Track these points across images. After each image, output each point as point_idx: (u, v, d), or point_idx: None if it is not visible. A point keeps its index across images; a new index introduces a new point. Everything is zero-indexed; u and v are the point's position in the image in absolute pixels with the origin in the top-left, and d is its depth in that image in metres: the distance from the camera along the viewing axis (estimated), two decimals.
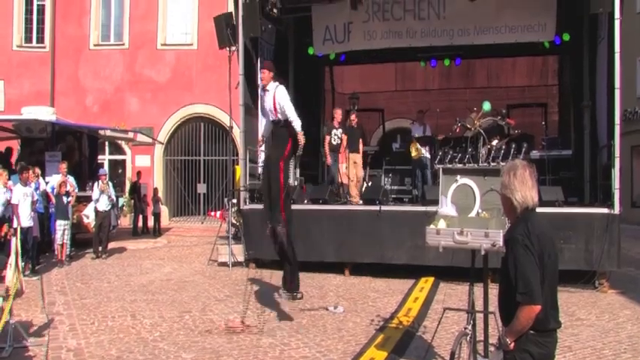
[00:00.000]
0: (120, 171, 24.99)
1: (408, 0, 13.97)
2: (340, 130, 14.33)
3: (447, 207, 6.00)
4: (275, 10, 12.68)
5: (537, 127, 15.91)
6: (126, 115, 23.91)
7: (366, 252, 12.11)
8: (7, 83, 24.60)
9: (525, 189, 3.67)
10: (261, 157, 9.59)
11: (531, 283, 3.42)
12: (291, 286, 9.17)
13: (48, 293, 10.59)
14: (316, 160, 16.76)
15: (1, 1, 24.49)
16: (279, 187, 8.55)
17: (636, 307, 9.52)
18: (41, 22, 25.09)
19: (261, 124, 9.97)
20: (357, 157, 14.74)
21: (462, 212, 5.90)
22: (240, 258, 13.35)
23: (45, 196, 14.54)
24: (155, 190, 22.10)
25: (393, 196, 14.38)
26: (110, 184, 15.83)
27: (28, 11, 25.19)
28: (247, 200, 12.91)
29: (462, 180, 5.98)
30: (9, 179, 12.88)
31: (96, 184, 15.38)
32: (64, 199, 14.12)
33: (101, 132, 20.59)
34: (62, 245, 13.89)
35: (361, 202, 13.29)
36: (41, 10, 25.11)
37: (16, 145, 18.56)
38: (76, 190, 15.08)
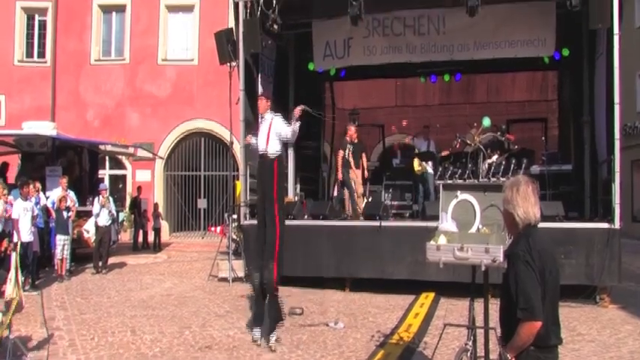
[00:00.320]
0: (120, 186, 24.99)
1: (408, 16, 14.02)
2: (352, 147, 14.35)
3: (447, 223, 6.00)
4: (275, 26, 12.71)
5: (537, 142, 15.96)
6: (126, 130, 23.96)
7: (367, 267, 12.09)
8: (8, 98, 24.67)
9: (528, 205, 3.67)
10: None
11: (532, 299, 3.42)
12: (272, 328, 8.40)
13: (48, 308, 10.57)
14: (316, 175, 16.78)
15: (2, 17, 24.60)
16: (274, 239, 8.34)
17: (638, 322, 9.48)
18: (42, 37, 25.22)
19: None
20: (357, 173, 14.78)
21: (463, 228, 5.90)
22: (241, 273, 13.33)
23: (45, 210, 14.55)
24: (155, 205, 22.11)
25: (393, 211, 14.37)
26: (110, 199, 15.85)
27: (30, 26, 25.34)
28: (248, 216, 12.90)
29: (462, 196, 5.98)
30: (9, 194, 12.90)
31: (96, 199, 15.40)
32: (65, 213, 14.12)
33: (102, 147, 20.63)
34: (62, 260, 13.87)
35: (361, 218, 13.26)
36: (42, 25, 25.24)
37: (11, 159, 18.55)
38: (77, 205, 15.09)
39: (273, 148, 8.55)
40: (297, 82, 16.14)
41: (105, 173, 24.30)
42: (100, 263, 15.07)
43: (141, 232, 21.30)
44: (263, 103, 8.86)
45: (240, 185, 13.86)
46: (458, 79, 17.84)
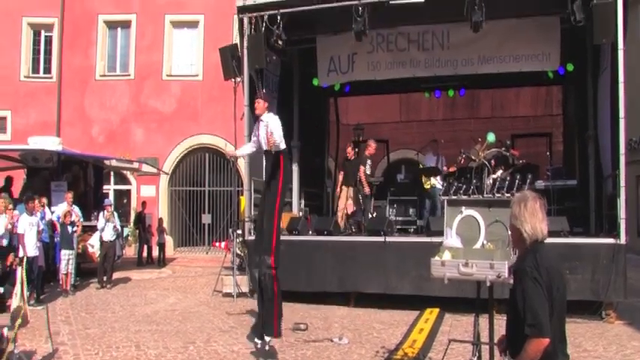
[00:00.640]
0: (125, 201, 25.03)
1: (412, 31, 14.06)
2: (369, 161, 14.65)
3: (452, 238, 6.00)
4: (280, 42, 12.77)
5: (542, 157, 15.94)
6: (131, 145, 24.05)
7: (371, 282, 12.07)
8: (14, 113, 24.81)
9: (535, 221, 3.66)
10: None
11: (540, 315, 3.41)
12: (266, 330, 8.41)
13: (52, 323, 10.53)
14: (321, 190, 16.79)
15: (9, 32, 24.77)
16: (272, 231, 8.39)
17: None
18: (48, 52, 25.41)
19: (245, 147, 9.85)
20: (352, 191, 14.92)
21: (467, 244, 5.90)
22: (245, 289, 13.32)
23: (50, 225, 14.57)
24: (160, 221, 22.15)
25: (397, 227, 14.35)
26: (115, 214, 15.88)
27: (36, 42, 25.52)
28: (252, 231, 12.89)
29: (467, 211, 5.99)
30: (14, 209, 12.94)
31: (101, 213, 15.44)
32: (69, 228, 14.14)
33: (106, 162, 20.68)
34: (67, 275, 13.89)
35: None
36: (48, 41, 25.43)
37: (16, 174, 18.61)
38: (81, 220, 15.11)
39: (277, 146, 8.52)
40: (301, 97, 16.18)
41: (110, 188, 24.36)
42: (105, 278, 15.08)
43: (145, 247, 21.33)
44: (260, 105, 8.80)
45: (244, 200, 13.86)
46: (462, 94, 17.88)
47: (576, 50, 13.86)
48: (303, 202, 16.17)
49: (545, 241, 3.73)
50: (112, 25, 25.33)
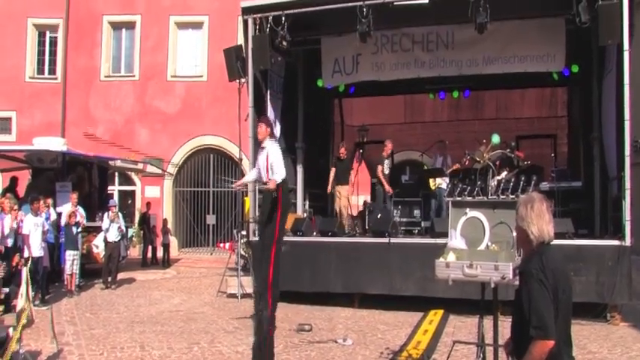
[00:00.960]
0: (129, 202, 25.06)
1: (417, 32, 14.04)
2: (389, 161, 14.81)
3: (456, 240, 5.99)
4: (284, 43, 12.78)
5: (547, 159, 15.90)
6: (136, 146, 24.08)
7: (376, 283, 12.08)
8: (19, 114, 24.86)
9: (542, 222, 3.65)
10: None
11: (545, 317, 3.40)
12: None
13: (57, 323, 10.59)
14: (325, 191, 16.77)
15: (14, 33, 24.82)
16: (268, 270, 7.95)
17: None
18: (53, 53, 25.45)
19: (251, 174, 9.39)
20: (343, 189, 15.05)
21: (472, 245, 5.90)
22: (249, 290, 13.31)
23: (55, 226, 14.60)
24: (164, 221, 22.17)
25: (402, 228, 14.34)
26: (120, 214, 15.90)
27: (41, 43, 25.58)
28: (256, 232, 12.91)
29: (472, 213, 5.99)
30: (19, 209, 12.97)
31: (106, 214, 15.46)
32: (74, 229, 14.17)
33: (111, 163, 20.70)
34: (71, 275, 13.92)
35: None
36: (53, 42, 25.47)
37: (20, 175, 18.64)
38: (85, 221, 15.13)
39: (277, 176, 7.99)
40: (306, 98, 16.17)
41: (114, 189, 24.39)
42: (109, 279, 15.10)
43: (150, 247, 21.33)
44: (262, 130, 8.27)
45: (248, 201, 13.87)
46: (467, 95, 17.84)
47: (581, 52, 13.83)
48: (307, 203, 16.17)
49: (551, 243, 3.73)
50: (116, 26, 25.36)
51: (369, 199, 17.10)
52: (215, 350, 8.79)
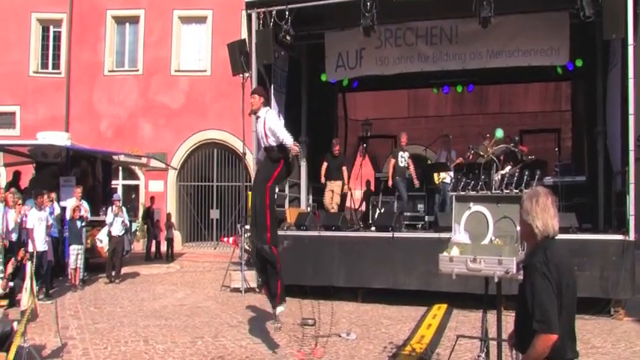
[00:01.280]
0: (133, 196, 25.09)
1: (421, 26, 14.00)
2: (407, 154, 14.69)
3: (460, 234, 5.99)
4: (288, 37, 12.76)
5: (551, 153, 15.86)
6: (139, 140, 24.10)
7: (379, 278, 12.09)
8: (23, 108, 24.91)
9: (547, 217, 3.65)
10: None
11: (548, 311, 3.40)
12: (277, 300, 8.36)
13: (61, 317, 10.60)
14: None
15: (18, 28, 24.87)
16: (264, 209, 8.14)
17: None
18: (57, 48, 25.49)
19: (259, 149, 9.53)
20: (335, 185, 15.04)
21: (475, 239, 5.89)
22: (253, 284, 13.34)
23: (59, 220, 14.63)
24: (168, 216, 22.21)
25: (406, 222, 14.34)
26: (124, 209, 15.93)
27: (45, 38, 25.61)
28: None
29: (475, 207, 5.98)
30: (23, 203, 13.00)
31: (110, 208, 15.49)
32: (78, 223, 14.20)
33: (115, 157, 20.74)
34: (76, 269, 13.95)
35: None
36: (57, 36, 25.50)
37: (24, 169, 18.67)
38: (89, 216, 15.17)
39: (276, 141, 8.21)
40: (309, 93, 16.15)
41: (118, 183, 24.41)
42: (113, 273, 15.14)
43: (154, 242, 21.38)
44: (256, 100, 8.40)
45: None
46: (470, 89, 17.82)
47: (585, 46, 13.80)
48: (311, 197, 16.18)
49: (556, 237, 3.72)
50: (120, 21, 25.37)
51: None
52: (219, 344, 8.81)
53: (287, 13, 12.52)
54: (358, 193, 18.47)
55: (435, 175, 14.77)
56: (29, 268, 7.98)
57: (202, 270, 17.99)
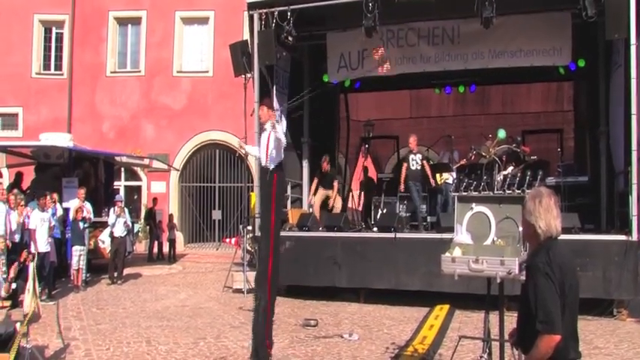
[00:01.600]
0: (135, 197, 25.11)
1: (422, 26, 13.98)
2: (419, 156, 14.30)
3: (462, 235, 5.98)
4: (290, 38, 12.75)
5: (553, 153, 15.83)
6: (142, 141, 24.13)
7: (381, 278, 12.08)
8: (25, 110, 24.95)
9: (550, 217, 3.64)
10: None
11: (552, 312, 3.39)
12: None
13: (64, 318, 10.63)
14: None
15: (21, 30, 24.91)
16: (267, 256, 7.76)
17: None
18: (59, 50, 25.53)
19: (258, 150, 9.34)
20: (330, 192, 14.99)
21: (478, 240, 5.88)
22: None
23: (61, 221, 14.64)
24: (170, 217, 22.23)
25: (411, 222, 14.32)
26: (126, 210, 15.94)
27: (47, 39, 25.67)
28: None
29: (478, 208, 5.97)
30: (26, 205, 13.01)
31: (112, 209, 15.51)
32: (81, 224, 14.21)
33: (117, 158, 20.76)
34: (78, 270, 13.96)
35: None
36: (59, 38, 25.54)
37: (26, 170, 18.68)
38: (92, 217, 15.19)
39: (274, 161, 7.97)
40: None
41: (120, 184, 24.44)
42: (116, 274, 15.16)
43: (156, 243, 21.38)
44: (264, 112, 8.18)
45: (255, 197, 13.87)
46: (473, 90, 17.80)
47: (588, 46, 13.77)
48: (313, 198, 16.15)
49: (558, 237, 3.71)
50: (122, 22, 25.41)
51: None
52: (221, 345, 8.81)
53: (289, 13, 12.51)
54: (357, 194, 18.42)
55: (438, 175, 14.72)
56: (32, 269, 7.99)
57: (204, 271, 18.00)
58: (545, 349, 3.40)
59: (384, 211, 14.99)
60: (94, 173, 19.34)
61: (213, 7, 24.19)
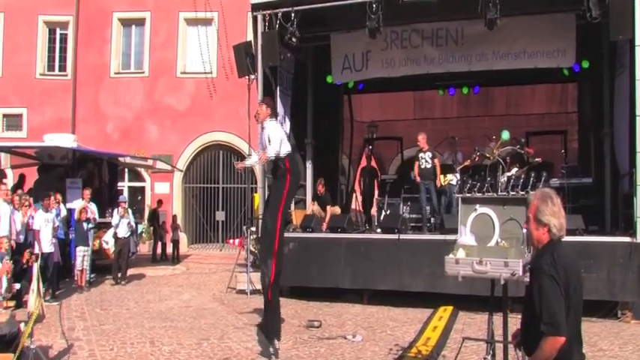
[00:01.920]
0: (139, 198, 25.14)
1: (426, 28, 13.99)
2: (429, 154, 14.10)
3: (466, 236, 5.98)
4: (294, 39, 12.76)
5: (557, 155, 15.81)
6: (145, 142, 24.15)
7: (385, 280, 12.08)
8: (30, 110, 25.01)
9: (561, 217, 3.64)
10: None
11: (557, 314, 3.38)
12: (269, 332, 8.33)
13: (68, 319, 10.64)
14: (335, 188, 16.76)
15: (25, 31, 24.96)
16: (274, 233, 8.06)
17: None
18: (63, 50, 25.58)
19: (254, 156, 9.35)
20: (323, 214, 14.80)
21: (481, 242, 5.88)
22: (259, 286, 13.26)
23: (65, 222, 14.66)
24: (174, 217, 22.24)
25: (412, 224, 14.30)
26: (130, 210, 15.95)
27: (51, 40, 25.70)
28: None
29: (481, 209, 5.97)
30: (29, 206, 13.03)
31: (116, 210, 15.53)
32: (85, 225, 14.23)
33: (121, 159, 20.77)
34: (82, 271, 13.97)
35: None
36: (64, 39, 25.59)
37: (29, 172, 18.70)
38: (97, 217, 15.22)
39: (283, 150, 8.13)
40: (315, 95, 16.14)
41: (124, 185, 24.48)
42: (119, 274, 15.16)
43: (159, 243, 21.39)
44: (263, 110, 8.28)
45: (258, 198, 13.89)
46: (476, 91, 17.78)
47: (592, 47, 13.73)
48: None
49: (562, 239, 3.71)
50: (126, 23, 25.43)
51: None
52: (224, 346, 8.81)
53: (293, 14, 12.52)
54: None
55: (442, 176, 14.70)
56: (36, 269, 8.01)
57: (208, 272, 18.01)
58: (550, 350, 3.40)
59: (388, 212, 14.99)
60: (97, 174, 19.37)
61: (217, 9, 24.15)
